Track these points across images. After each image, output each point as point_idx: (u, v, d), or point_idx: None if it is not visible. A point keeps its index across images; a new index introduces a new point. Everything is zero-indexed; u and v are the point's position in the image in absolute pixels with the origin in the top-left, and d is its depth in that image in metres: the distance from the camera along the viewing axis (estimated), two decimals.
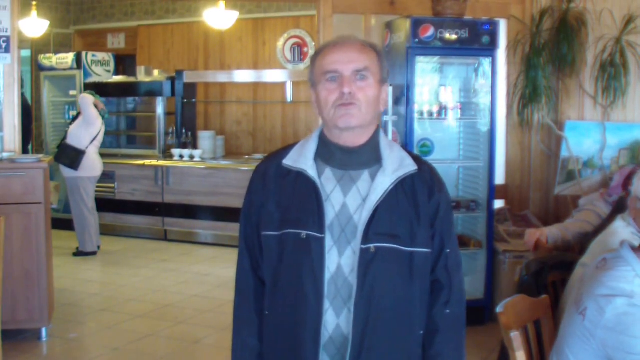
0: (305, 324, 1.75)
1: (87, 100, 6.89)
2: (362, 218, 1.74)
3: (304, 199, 1.77)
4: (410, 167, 1.80)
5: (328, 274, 1.74)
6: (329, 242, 1.74)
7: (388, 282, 1.75)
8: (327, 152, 1.81)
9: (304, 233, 1.74)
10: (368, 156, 1.80)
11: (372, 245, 1.73)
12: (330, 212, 1.75)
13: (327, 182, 1.78)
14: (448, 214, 1.85)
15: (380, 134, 1.84)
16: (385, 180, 1.76)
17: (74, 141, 6.83)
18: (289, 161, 1.82)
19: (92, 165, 6.92)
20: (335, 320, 1.75)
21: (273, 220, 1.80)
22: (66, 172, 6.87)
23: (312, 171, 1.78)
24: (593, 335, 2.07)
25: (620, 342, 2.01)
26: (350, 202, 1.76)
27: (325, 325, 1.75)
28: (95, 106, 6.96)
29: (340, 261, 1.75)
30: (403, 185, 1.77)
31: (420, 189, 1.79)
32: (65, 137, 6.95)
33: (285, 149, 1.88)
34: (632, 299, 2.03)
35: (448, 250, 1.84)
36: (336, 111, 1.74)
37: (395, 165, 1.79)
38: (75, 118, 7.12)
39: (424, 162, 1.86)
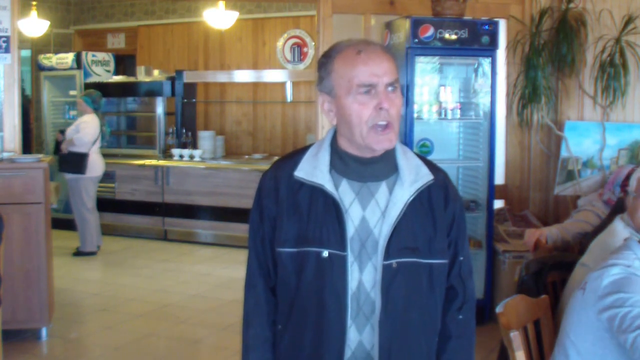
0: (329, 343, 1.71)
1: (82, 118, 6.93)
2: (382, 233, 1.69)
3: (322, 215, 1.70)
4: (427, 177, 1.75)
5: (350, 291, 1.70)
6: (349, 258, 1.69)
7: (411, 296, 1.72)
8: (342, 163, 1.74)
9: (325, 252, 1.69)
10: (385, 167, 1.74)
11: (394, 261, 1.69)
12: (350, 227, 1.70)
13: (345, 195, 1.71)
14: (462, 222, 1.82)
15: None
16: (404, 193, 1.71)
17: (74, 147, 6.83)
18: (301, 173, 1.74)
19: (94, 165, 6.93)
20: (358, 337, 1.72)
21: (288, 236, 1.73)
22: (69, 174, 6.88)
23: (330, 186, 1.70)
24: (591, 304, 2.13)
25: (615, 299, 2.08)
26: (369, 216, 1.71)
27: (347, 342, 1.71)
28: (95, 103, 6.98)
29: (361, 277, 1.70)
30: (420, 196, 1.73)
31: (436, 199, 1.76)
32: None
33: (294, 157, 1.79)
34: (628, 268, 2.15)
35: (461, 258, 1.82)
36: (370, 132, 1.66)
37: (413, 175, 1.74)
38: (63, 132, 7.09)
39: (438, 169, 1.82)
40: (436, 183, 1.76)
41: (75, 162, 6.79)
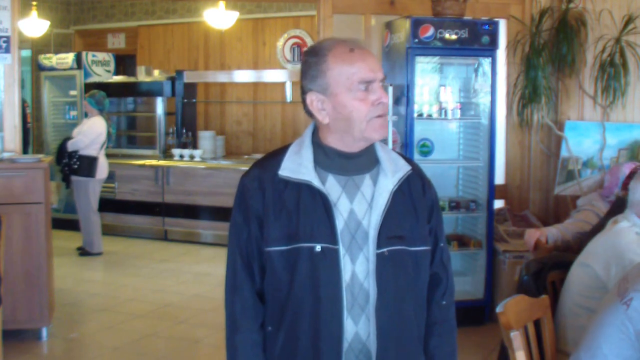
0: (327, 337, 1.72)
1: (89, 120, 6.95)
2: (372, 223, 1.74)
3: (311, 211, 1.72)
4: (406, 167, 1.82)
5: (344, 283, 1.72)
6: (341, 251, 1.72)
7: (401, 283, 1.76)
8: (327, 158, 1.77)
9: (318, 246, 1.71)
10: (367, 159, 1.79)
11: (385, 250, 1.73)
12: (340, 221, 1.73)
13: (332, 189, 1.75)
14: (438, 209, 1.90)
15: None
16: (388, 183, 1.77)
17: (85, 151, 6.84)
18: (285, 172, 1.75)
19: (102, 167, 6.95)
20: (354, 328, 1.74)
21: (277, 235, 1.73)
22: (79, 177, 6.88)
23: (317, 182, 1.73)
24: (634, 324, 2.12)
25: None
26: (357, 208, 1.75)
27: (345, 335, 1.73)
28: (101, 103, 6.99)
29: (354, 268, 1.73)
30: (401, 186, 1.79)
31: (415, 188, 1.82)
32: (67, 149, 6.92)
33: (275, 157, 1.80)
34: None
35: (442, 244, 1.89)
36: (369, 123, 1.72)
37: (393, 166, 1.80)
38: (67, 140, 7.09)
39: (411, 160, 1.89)
40: (413, 173, 1.84)
41: (86, 166, 6.80)
